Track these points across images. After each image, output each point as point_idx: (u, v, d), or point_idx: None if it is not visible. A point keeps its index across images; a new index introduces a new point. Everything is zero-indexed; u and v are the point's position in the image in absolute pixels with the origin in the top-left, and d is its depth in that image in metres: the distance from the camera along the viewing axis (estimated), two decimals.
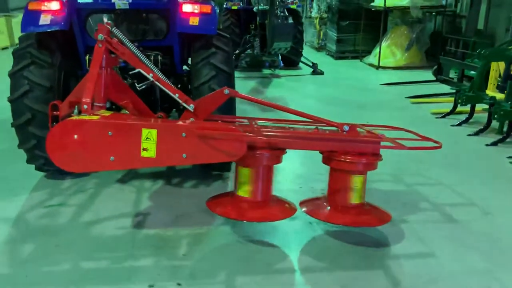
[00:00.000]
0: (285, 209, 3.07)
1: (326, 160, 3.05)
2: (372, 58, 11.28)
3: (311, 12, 14.57)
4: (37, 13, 3.75)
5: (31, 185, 4.12)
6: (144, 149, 2.71)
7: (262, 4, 8.79)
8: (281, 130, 3.13)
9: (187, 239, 3.25)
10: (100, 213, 3.63)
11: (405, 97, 7.71)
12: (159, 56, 3.94)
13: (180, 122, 2.83)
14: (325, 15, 13.17)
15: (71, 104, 3.18)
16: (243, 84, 9.07)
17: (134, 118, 2.86)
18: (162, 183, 4.21)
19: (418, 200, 3.91)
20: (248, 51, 9.96)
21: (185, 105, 3.07)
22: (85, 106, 2.81)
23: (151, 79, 3.04)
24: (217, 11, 4.50)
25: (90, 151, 2.68)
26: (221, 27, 10.50)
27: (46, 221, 3.52)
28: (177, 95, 3.08)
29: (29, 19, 3.74)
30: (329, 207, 3.06)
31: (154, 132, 2.70)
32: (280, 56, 10.74)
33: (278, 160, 3.01)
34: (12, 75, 3.76)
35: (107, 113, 2.93)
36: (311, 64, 9.99)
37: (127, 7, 3.91)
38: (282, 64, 10.92)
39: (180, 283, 2.76)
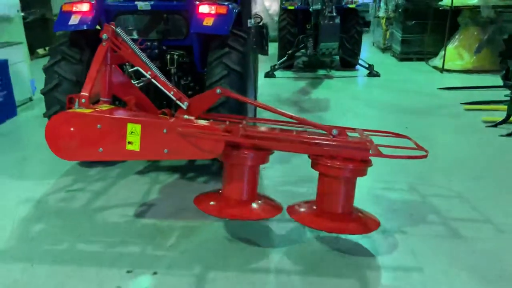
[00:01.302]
0: (268, 208, 3.09)
1: (311, 163, 3.02)
2: (437, 61, 10.64)
3: (379, 12, 14.07)
4: (69, 14, 4.11)
5: (62, 171, 4.52)
6: (129, 143, 2.89)
7: (316, 4, 8.69)
8: (267, 131, 3.14)
9: (178, 231, 3.39)
10: (110, 201, 3.91)
11: (460, 103, 7.21)
12: (175, 55, 4.12)
13: (163, 119, 2.97)
14: (392, 15, 12.65)
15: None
16: (292, 84, 9.06)
17: (125, 113, 3.04)
18: (176, 177, 4.40)
19: (427, 212, 3.69)
20: (302, 51, 9.90)
21: (179, 102, 3.20)
22: (83, 100, 3.05)
23: (148, 76, 3.21)
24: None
25: (81, 141, 2.91)
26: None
27: (62, 204, 3.86)
28: (172, 92, 3.22)
29: (61, 20, 4.11)
30: (311, 211, 3.02)
31: (138, 127, 2.87)
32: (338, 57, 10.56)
33: (262, 161, 3.03)
34: (45, 70, 4.16)
35: (105, 107, 3.15)
36: (367, 66, 9.68)
37: (149, 8, 4.14)
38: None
39: (157, 272, 2.91)
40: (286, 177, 4.39)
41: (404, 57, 11.77)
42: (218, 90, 3.17)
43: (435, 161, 4.76)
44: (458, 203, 3.87)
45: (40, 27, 12.14)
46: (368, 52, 13.67)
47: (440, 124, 6.28)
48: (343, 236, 3.25)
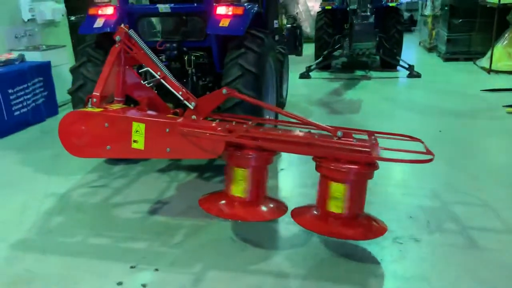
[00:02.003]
0: (270, 210, 3.06)
1: (315, 166, 2.96)
2: (485, 61, 10.06)
3: (425, 10, 13.53)
4: (94, 17, 4.29)
5: (89, 168, 4.72)
6: (134, 141, 2.97)
7: (353, 4, 8.51)
8: (269, 132, 3.11)
9: (186, 229, 3.45)
10: (128, 197, 4.03)
11: (502, 106, 6.79)
12: (192, 56, 4.19)
13: (166, 118, 3.02)
14: (438, 13, 12.12)
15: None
16: (326, 85, 8.92)
17: (132, 112, 3.12)
18: (194, 176, 4.46)
19: (446, 220, 3.51)
20: (338, 51, 9.73)
21: (186, 102, 3.25)
22: (94, 100, 3.17)
23: (158, 77, 3.29)
24: None
25: (90, 139, 3.02)
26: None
27: (83, 199, 4.03)
28: (180, 93, 3.27)
29: (87, 23, 4.30)
30: (313, 215, 2.96)
31: (142, 126, 2.95)
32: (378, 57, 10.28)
33: (265, 162, 3.01)
34: (72, 71, 4.37)
35: (116, 107, 3.26)
36: (407, 66, 9.34)
37: (169, 10, 4.23)
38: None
39: (158, 268, 2.97)
40: (304, 178, 4.33)
41: (449, 57, 11.25)
42: (224, 91, 3.19)
43: (466, 167, 4.54)
44: (482, 212, 3.65)
45: None
46: (413, 52, 13.19)
47: (478, 128, 5.94)
48: (351, 241, 3.16)
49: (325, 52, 9.64)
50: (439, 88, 8.35)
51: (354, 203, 2.85)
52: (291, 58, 8.30)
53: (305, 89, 8.62)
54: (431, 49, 12.97)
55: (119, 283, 2.82)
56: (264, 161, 2.99)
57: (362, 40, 7.95)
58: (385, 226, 2.94)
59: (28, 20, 7.47)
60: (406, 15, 19.23)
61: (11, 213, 3.76)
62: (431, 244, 3.19)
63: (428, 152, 2.84)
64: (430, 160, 2.72)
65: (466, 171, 4.45)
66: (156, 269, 2.96)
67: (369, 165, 2.79)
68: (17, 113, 6.11)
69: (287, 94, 7.25)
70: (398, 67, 9.84)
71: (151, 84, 3.40)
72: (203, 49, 4.44)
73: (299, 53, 8.16)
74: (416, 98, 7.69)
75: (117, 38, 3.33)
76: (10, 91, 6.01)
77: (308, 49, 10.70)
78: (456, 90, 8.14)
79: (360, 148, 2.79)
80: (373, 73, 9.98)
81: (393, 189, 4.09)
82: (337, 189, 2.79)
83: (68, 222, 3.63)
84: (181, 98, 3.25)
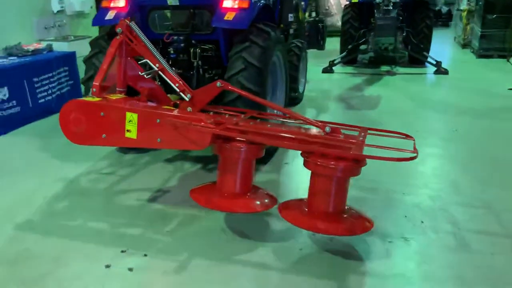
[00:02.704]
0: (257, 203, 3.10)
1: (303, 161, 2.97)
2: None
3: (461, 4, 13.04)
4: (106, 10, 4.43)
5: (101, 155, 4.90)
6: (127, 131, 3.08)
7: None
8: (258, 125, 3.13)
9: (180, 218, 3.54)
10: (132, 185, 4.17)
11: None
12: (197, 50, 4.26)
13: (159, 109, 3.11)
14: (473, 8, 11.66)
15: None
16: (348, 80, 8.80)
17: (128, 102, 3.21)
18: (199, 167, 4.55)
19: (442, 221, 3.44)
20: (364, 46, 9.55)
21: (182, 94, 3.33)
22: (94, 90, 3.30)
23: (156, 68, 3.38)
24: None
25: (87, 127, 3.16)
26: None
27: (90, 185, 4.21)
28: (177, 85, 3.35)
29: (99, 15, 4.45)
30: (300, 210, 2.97)
31: (135, 116, 3.05)
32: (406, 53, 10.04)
33: (254, 154, 3.04)
34: (85, 61, 4.54)
35: (115, 97, 3.37)
36: (434, 62, 9.07)
37: (178, 3, 4.32)
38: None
39: (147, 254, 3.07)
40: (308, 173, 4.32)
41: (483, 53, 10.83)
42: (218, 84, 3.24)
43: (475, 169, 4.41)
44: (482, 214, 3.55)
45: None
46: (447, 47, 12.80)
47: (497, 129, 5.71)
48: (339, 237, 3.16)
49: (349, 46, 9.49)
50: (465, 86, 8.08)
51: (336, 199, 2.84)
52: (316, 52, 8.25)
53: (326, 84, 8.55)
54: (465, 45, 12.52)
55: (107, 266, 2.94)
56: (251, 154, 3.03)
57: (383, 34, 7.79)
58: (370, 224, 2.91)
59: (58, 11, 7.79)
60: (444, 9, 18.63)
61: (22, 196, 3.97)
62: (420, 244, 3.14)
63: (414, 151, 2.79)
64: (412, 159, 2.67)
65: (473, 172, 4.32)
66: (145, 255, 3.06)
67: (352, 162, 2.77)
68: (41, 100, 6.40)
69: (304, 89, 7.22)
70: (426, 63, 9.58)
71: (150, 76, 3.48)
72: (212, 42, 4.50)
73: (321, 47, 8.09)
74: (438, 96, 7.48)
75: (118, 30, 3.44)
76: (35, 79, 6.29)
77: (336, 43, 10.59)
78: (483, 88, 7.85)
79: (343, 144, 2.78)
80: (399, 69, 9.77)
81: (394, 186, 4.03)
82: (318, 183, 2.79)
83: (72, 206, 3.80)
84: (177, 90, 3.33)
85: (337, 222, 2.85)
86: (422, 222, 3.42)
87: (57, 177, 4.34)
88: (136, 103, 3.25)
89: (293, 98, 6.83)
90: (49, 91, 6.57)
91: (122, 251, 3.11)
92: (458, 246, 3.10)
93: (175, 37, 4.33)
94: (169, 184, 4.19)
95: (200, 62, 4.42)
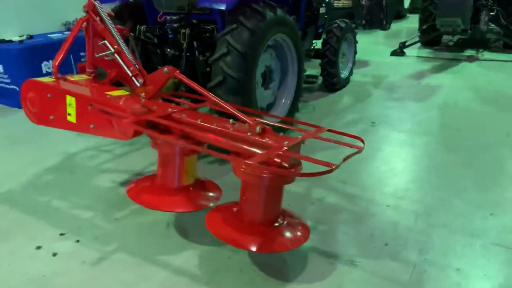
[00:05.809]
0: (188, 201, 2.87)
1: None
2: None
3: None
4: None
5: None
6: (68, 114, 3.03)
7: None
8: (191, 118, 2.83)
9: (137, 207, 3.38)
10: (118, 166, 4.18)
11: None
12: (187, 31, 4.05)
13: (91, 94, 2.99)
14: None
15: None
16: (414, 65, 7.85)
17: (74, 86, 3.14)
18: (206, 162, 4.31)
19: (411, 247, 2.84)
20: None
21: (134, 79, 3.17)
22: (52, 70, 3.29)
23: (112, 50, 3.25)
24: None
25: (39, 108, 3.18)
26: None
27: (81, 162, 4.31)
28: (131, 68, 3.20)
29: None
30: (224, 217, 2.67)
31: (73, 100, 2.98)
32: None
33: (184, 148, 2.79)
34: None
35: (76, 78, 3.34)
36: None
37: None
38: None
39: (80, 240, 3.03)
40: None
41: None
42: (165, 70, 3.01)
43: (481, 174, 3.61)
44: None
45: None
46: None
47: None
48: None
49: (423, 27, 8.40)
50: None
51: (267, 208, 2.48)
52: (394, 31, 7.43)
53: (386, 68, 7.71)
54: None
55: (38, 247, 2.97)
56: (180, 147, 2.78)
57: (447, 14, 6.65)
58: (300, 240, 2.50)
59: None
60: None
61: (19, 167, 4.20)
62: (365, 271, 2.63)
63: (357, 153, 2.33)
64: (326, 173, 2.18)
65: (478, 179, 3.53)
66: (77, 241, 3.03)
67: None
68: None
69: (350, 74, 6.61)
70: None
71: (109, 58, 3.35)
72: (209, 22, 4.25)
73: (383, 27, 7.30)
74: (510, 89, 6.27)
75: (83, 9, 3.37)
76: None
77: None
78: None
79: (258, 149, 2.39)
80: (487, 54, 8.43)
81: (383, 198, 3.47)
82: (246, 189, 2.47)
83: (51, 182, 3.91)
84: (129, 74, 3.18)
85: (251, 234, 2.50)
86: (386, 244, 2.87)
87: (56, 152, 4.47)
88: (81, 87, 3.17)
89: (333, 84, 6.29)
90: None
91: (61, 234, 3.11)
92: (408, 284, 2.53)
93: (168, 17, 4.16)
94: (152, 168, 4.10)
95: (195, 44, 4.20)
